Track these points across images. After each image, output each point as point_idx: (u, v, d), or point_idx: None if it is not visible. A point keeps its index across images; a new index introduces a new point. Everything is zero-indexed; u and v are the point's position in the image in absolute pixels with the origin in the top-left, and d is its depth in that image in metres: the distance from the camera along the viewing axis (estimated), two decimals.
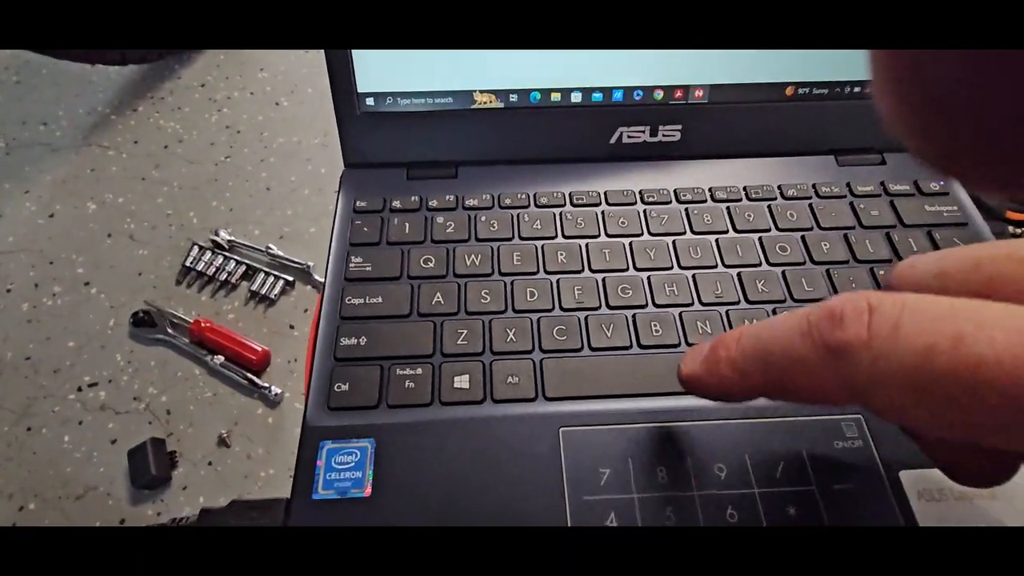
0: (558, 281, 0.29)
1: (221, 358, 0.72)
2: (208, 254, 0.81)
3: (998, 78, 0.09)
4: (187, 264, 0.80)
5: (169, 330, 0.74)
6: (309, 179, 0.86)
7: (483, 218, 0.31)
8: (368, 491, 0.23)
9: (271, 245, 0.81)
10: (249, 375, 0.71)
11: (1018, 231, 0.59)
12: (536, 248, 0.30)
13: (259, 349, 0.72)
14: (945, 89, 0.10)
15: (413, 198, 0.32)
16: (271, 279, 0.79)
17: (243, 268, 0.80)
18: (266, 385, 0.70)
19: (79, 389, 0.70)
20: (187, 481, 0.65)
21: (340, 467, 0.24)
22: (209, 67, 0.98)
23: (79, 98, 0.95)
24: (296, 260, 0.80)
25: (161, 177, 0.86)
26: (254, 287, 0.79)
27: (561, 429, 0.25)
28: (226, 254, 0.81)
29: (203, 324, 0.73)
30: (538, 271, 0.30)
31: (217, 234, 0.81)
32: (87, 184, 0.86)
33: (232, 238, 0.82)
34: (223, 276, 0.79)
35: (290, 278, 0.80)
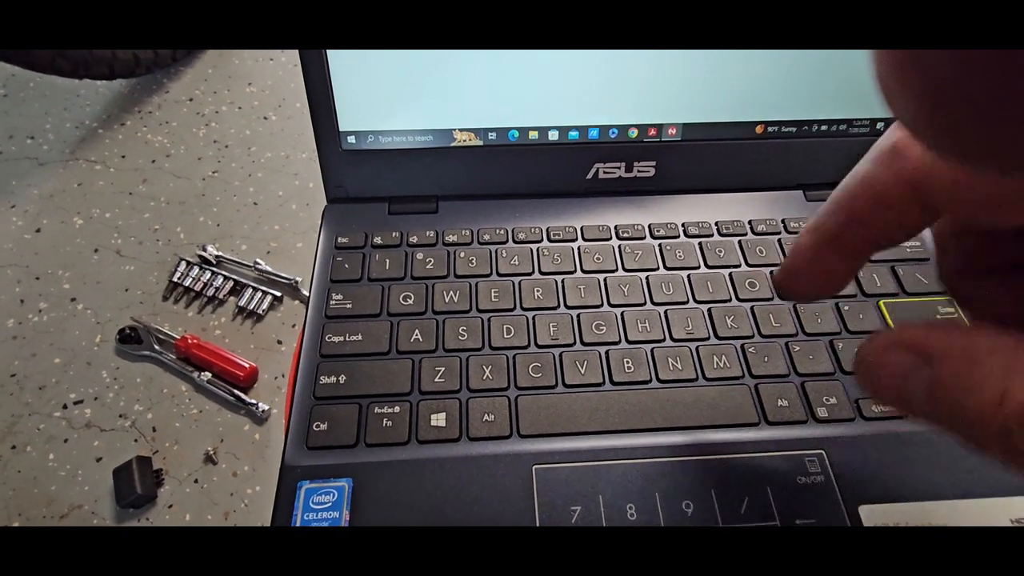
0: (534, 318, 0.30)
1: (208, 375, 0.72)
2: (195, 269, 0.81)
3: (1005, 74, 0.09)
4: (174, 280, 0.80)
5: (156, 346, 0.74)
6: (296, 194, 0.86)
7: (462, 254, 0.32)
8: None
9: (258, 260, 0.81)
10: (236, 391, 0.71)
11: None
12: (513, 284, 0.31)
13: (246, 365, 0.73)
14: (952, 85, 0.10)
15: (394, 233, 0.33)
16: (259, 294, 0.79)
17: (230, 283, 0.80)
18: (253, 402, 0.71)
19: (64, 406, 0.70)
20: (173, 499, 0.65)
21: (317, 507, 0.24)
22: (197, 81, 0.98)
23: (67, 112, 0.95)
24: (284, 275, 0.80)
25: (148, 192, 0.87)
26: (241, 302, 0.79)
27: (534, 467, 0.26)
28: (213, 269, 0.81)
29: (190, 340, 0.73)
30: (515, 307, 0.30)
31: (204, 249, 0.81)
32: (74, 199, 0.86)
33: (219, 253, 0.82)
34: (210, 292, 0.79)
35: (278, 293, 0.80)
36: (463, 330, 0.29)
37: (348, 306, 0.30)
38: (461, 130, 0.33)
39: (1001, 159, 0.11)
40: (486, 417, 0.27)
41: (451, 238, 0.33)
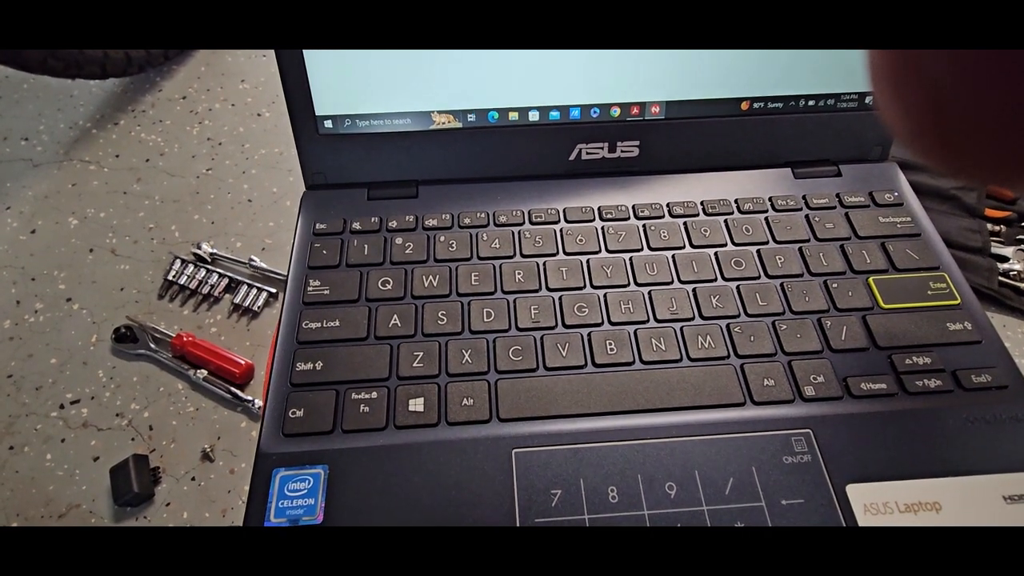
0: (515, 301, 0.29)
1: (204, 372, 0.72)
2: (190, 267, 0.81)
3: (997, 76, 0.09)
4: (169, 278, 0.80)
5: (151, 345, 0.75)
6: (291, 190, 0.86)
7: (442, 238, 0.32)
8: (320, 518, 0.23)
9: (253, 257, 0.81)
10: (232, 389, 0.71)
11: (997, 228, 0.60)
12: (494, 268, 0.31)
13: (242, 362, 0.72)
14: (944, 87, 0.10)
15: (373, 219, 0.32)
16: (254, 291, 0.79)
17: (226, 281, 0.80)
18: (249, 398, 0.70)
19: (61, 406, 0.71)
20: (170, 497, 0.65)
21: (292, 494, 0.24)
22: (190, 79, 0.98)
23: (61, 113, 0.95)
24: (279, 272, 0.80)
25: (143, 191, 0.87)
26: (237, 300, 0.79)
27: (514, 451, 0.25)
28: (208, 267, 0.81)
29: (185, 338, 0.73)
30: (495, 291, 0.30)
31: (199, 247, 0.81)
32: (69, 199, 0.86)
33: (214, 251, 0.82)
34: (205, 289, 0.79)
35: (273, 290, 0.79)
36: (442, 314, 0.29)
37: (326, 292, 0.30)
38: (440, 112, 0.32)
39: (997, 172, 0.11)
40: (465, 401, 0.26)
41: (431, 222, 0.32)
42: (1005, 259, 0.58)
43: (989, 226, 0.60)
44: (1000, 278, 0.56)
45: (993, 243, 0.59)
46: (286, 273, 0.86)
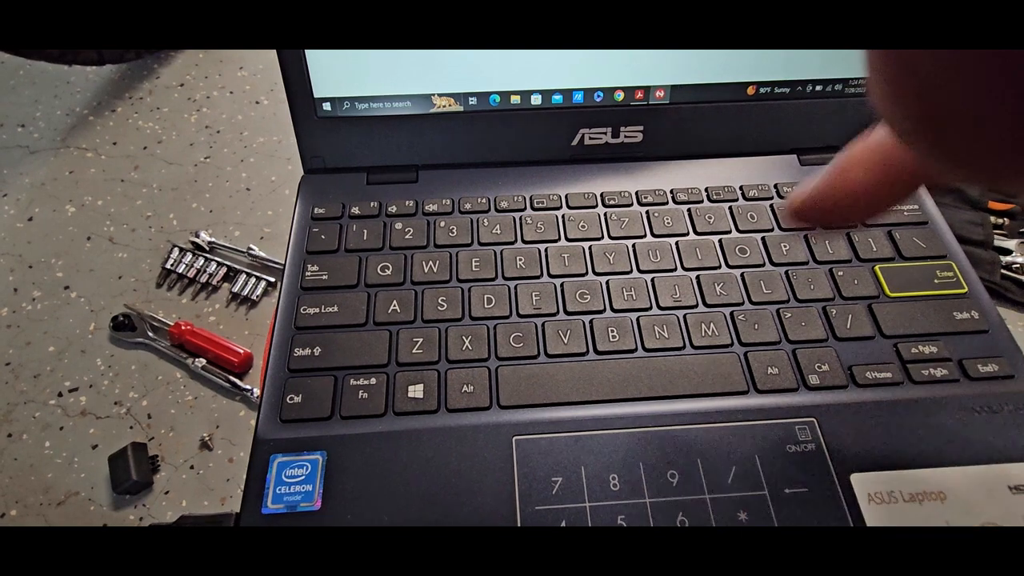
0: (516, 287, 0.29)
1: (202, 361, 0.71)
2: (188, 256, 0.80)
3: (993, 77, 0.09)
4: (167, 267, 0.80)
5: (150, 333, 0.74)
6: (289, 178, 0.86)
7: (442, 223, 0.31)
8: (318, 504, 0.23)
9: (252, 246, 0.81)
10: (231, 377, 0.71)
11: (1000, 220, 0.60)
12: (495, 253, 0.30)
13: (240, 351, 0.72)
14: (940, 87, 0.10)
15: (372, 204, 0.32)
16: (252, 280, 0.78)
17: (224, 270, 0.80)
18: (248, 387, 0.70)
19: (60, 394, 0.70)
20: (169, 485, 0.65)
21: (290, 480, 0.24)
22: (188, 66, 0.97)
23: (57, 99, 0.94)
24: (277, 261, 0.79)
25: (140, 179, 0.86)
26: (235, 288, 0.78)
27: (514, 438, 0.25)
28: (207, 256, 0.81)
29: (184, 327, 0.73)
30: (496, 277, 0.30)
31: (197, 236, 0.81)
32: (66, 187, 0.85)
33: (212, 239, 0.81)
34: (204, 278, 0.79)
35: (271, 279, 0.79)
36: (442, 300, 0.28)
37: (324, 277, 0.29)
38: (440, 95, 0.32)
39: (992, 167, 0.11)
40: (465, 388, 0.26)
41: (431, 207, 0.32)
42: (1008, 252, 0.58)
43: (992, 219, 0.60)
44: (1003, 271, 0.55)
45: (996, 236, 0.59)
46: (284, 260, 0.86)
